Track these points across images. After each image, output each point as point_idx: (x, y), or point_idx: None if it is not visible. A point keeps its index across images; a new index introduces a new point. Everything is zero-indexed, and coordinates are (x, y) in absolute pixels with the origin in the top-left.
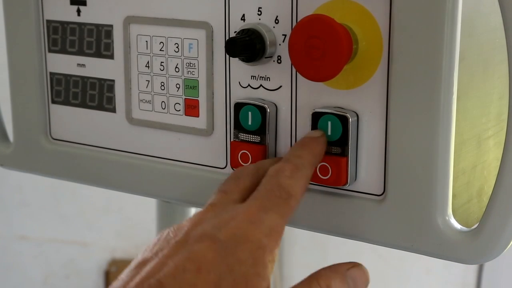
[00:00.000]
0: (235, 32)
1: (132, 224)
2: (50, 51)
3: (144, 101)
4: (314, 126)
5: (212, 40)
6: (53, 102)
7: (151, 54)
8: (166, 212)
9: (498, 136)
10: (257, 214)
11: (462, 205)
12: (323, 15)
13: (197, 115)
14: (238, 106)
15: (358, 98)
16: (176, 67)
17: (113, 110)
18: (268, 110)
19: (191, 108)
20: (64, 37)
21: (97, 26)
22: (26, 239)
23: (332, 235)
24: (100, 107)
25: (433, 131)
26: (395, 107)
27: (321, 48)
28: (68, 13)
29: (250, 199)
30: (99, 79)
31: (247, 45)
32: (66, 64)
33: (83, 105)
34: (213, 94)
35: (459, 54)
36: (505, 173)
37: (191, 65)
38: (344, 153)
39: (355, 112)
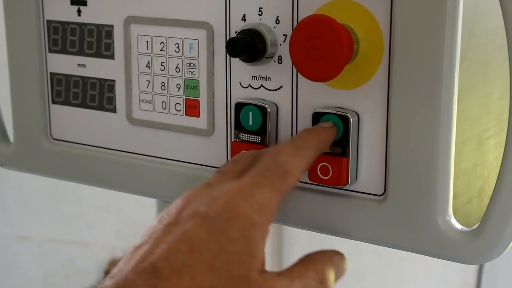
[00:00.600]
0: (235, 32)
1: (132, 224)
2: (50, 51)
3: (144, 101)
4: None
5: (213, 40)
6: (54, 102)
7: (152, 54)
8: None
9: (499, 136)
10: (249, 189)
11: (462, 205)
12: (324, 15)
13: (197, 115)
14: (239, 106)
15: (359, 98)
16: (176, 67)
17: (113, 110)
18: (269, 110)
19: (191, 108)
20: (64, 37)
21: (98, 26)
22: (25, 239)
23: (332, 235)
24: (100, 107)
25: (434, 131)
26: (396, 107)
27: (322, 48)
28: (68, 13)
29: (245, 175)
30: (100, 79)
31: (248, 45)
32: (66, 64)
33: (83, 105)
34: (213, 94)
35: (460, 54)
36: (505, 173)
37: (192, 65)
38: (345, 153)
39: (356, 112)
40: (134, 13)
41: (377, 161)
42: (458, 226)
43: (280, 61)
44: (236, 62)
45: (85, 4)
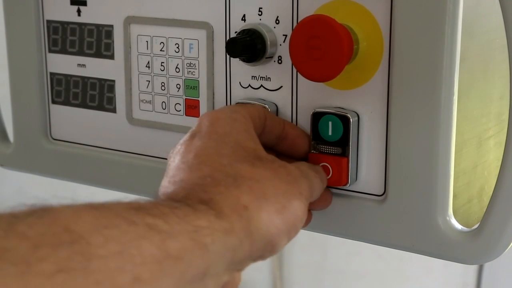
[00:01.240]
0: (235, 32)
1: None
2: (50, 51)
3: (144, 101)
4: (314, 126)
5: (213, 40)
6: (53, 102)
7: (152, 54)
8: None
9: (499, 136)
10: (222, 107)
11: (462, 205)
12: (323, 15)
13: (197, 115)
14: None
15: (359, 98)
16: (176, 67)
17: (113, 110)
18: (269, 110)
19: (191, 108)
20: (64, 37)
21: (98, 26)
22: None
23: (332, 235)
24: (100, 107)
25: (434, 131)
26: (396, 107)
27: (322, 49)
28: (68, 13)
29: None
30: (100, 79)
31: (248, 45)
32: (66, 64)
33: (83, 105)
34: (213, 95)
35: (460, 55)
36: (505, 173)
37: (192, 65)
38: (344, 153)
39: (356, 112)
40: (134, 13)
41: (377, 161)
42: (458, 226)
43: (280, 61)
44: (236, 62)
45: (85, 4)
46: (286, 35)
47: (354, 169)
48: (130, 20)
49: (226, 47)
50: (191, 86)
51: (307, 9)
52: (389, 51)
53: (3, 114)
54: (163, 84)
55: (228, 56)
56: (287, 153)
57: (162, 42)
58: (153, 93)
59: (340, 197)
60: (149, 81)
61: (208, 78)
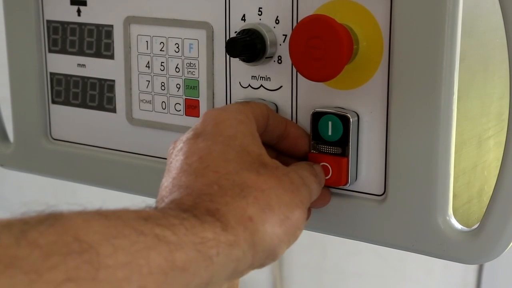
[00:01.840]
0: (235, 32)
1: None
2: (50, 51)
3: (144, 101)
4: (314, 126)
5: (213, 40)
6: (53, 102)
7: (152, 54)
8: None
9: (499, 136)
10: (226, 106)
11: (462, 205)
12: (323, 15)
13: (197, 115)
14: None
15: (359, 98)
16: (176, 67)
17: (113, 110)
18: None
19: (191, 108)
20: (64, 37)
21: (97, 26)
22: None
23: (332, 235)
24: (100, 107)
25: (434, 131)
26: (396, 107)
27: (322, 48)
28: (68, 13)
29: None
30: (100, 79)
31: (248, 45)
32: (66, 64)
33: (83, 105)
34: (213, 94)
35: (460, 54)
36: (505, 173)
37: (192, 65)
38: (344, 153)
39: (356, 112)
40: (134, 13)
41: (377, 161)
42: (458, 226)
43: (280, 61)
44: (236, 62)
45: (85, 4)
46: (286, 35)
47: (354, 169)
48: (130, 20)
49: (226, 47)
50: (191, 86)
51: (307, 9)
52: (389, 51)
53: (3, 114)
54: (163, 84)
55: (228, 56)
56: (287, 152)
57: (162, 42)
58: (153, 93)
59: (340, 197)
60: (149, 81)
61: (208, 78)
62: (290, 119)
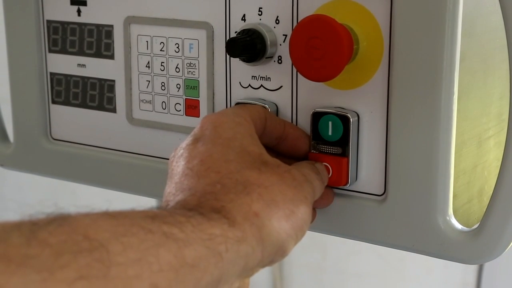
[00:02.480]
0: (235, 32)
1: None
2: (50, 51)
3: (144, 101)
4: (314, 126)
5: (213, 40)
6: (54, 102)
7: (152, 54)
8: None
9: (499, 136)
10: (224, 110)
11: (462, 205)
12: (323, 15)
13: (197, 115)
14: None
15: (359, 98)
16: (176, 67)
17: (113, 110)
18: (269, 110)
19: (191, 108)
20: (64, 37)
21: (98, 26)
22: None
23: (333, 235)
24: (100, 107)
25: (434, 131)
26: (396, 107)
27: (322, 48)
28: (68, 13)
29: None
30: (100, 79)
31: (248, 45)
32: (66, 64)
33: (83, 105)
34: (213, 94)
35: (460, 54)
36: (505, 173)
37: (192, 65)
38: (344, 153)
39: (356, 112)
40: (134, 13)
41: (377, 161)
42: (458, 226)
43: (280, 61)
44: (236, 62)
45: (85, 4)
46: (286, 35)
47: (354, 169)
48: (130, 20)
49: (226, 47)
50: (191, 86)
51: (307, 9)
52: (389, 51)
53: (3, 114)
54: (163, 84)
55: (228, 56)
56: (287, 154)
57: (162, 42)
58: (153, 93)
59: (340, 197)
60: (149, 81)
61: (208, 78)
62: (290, 119)
